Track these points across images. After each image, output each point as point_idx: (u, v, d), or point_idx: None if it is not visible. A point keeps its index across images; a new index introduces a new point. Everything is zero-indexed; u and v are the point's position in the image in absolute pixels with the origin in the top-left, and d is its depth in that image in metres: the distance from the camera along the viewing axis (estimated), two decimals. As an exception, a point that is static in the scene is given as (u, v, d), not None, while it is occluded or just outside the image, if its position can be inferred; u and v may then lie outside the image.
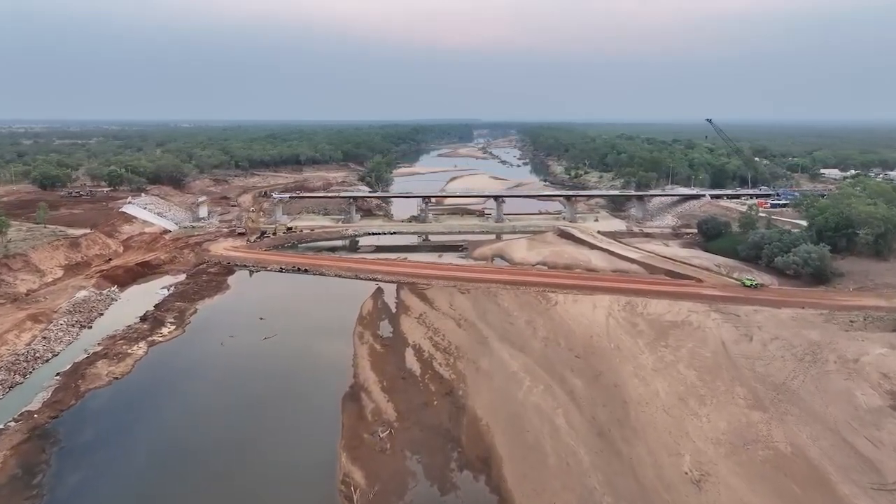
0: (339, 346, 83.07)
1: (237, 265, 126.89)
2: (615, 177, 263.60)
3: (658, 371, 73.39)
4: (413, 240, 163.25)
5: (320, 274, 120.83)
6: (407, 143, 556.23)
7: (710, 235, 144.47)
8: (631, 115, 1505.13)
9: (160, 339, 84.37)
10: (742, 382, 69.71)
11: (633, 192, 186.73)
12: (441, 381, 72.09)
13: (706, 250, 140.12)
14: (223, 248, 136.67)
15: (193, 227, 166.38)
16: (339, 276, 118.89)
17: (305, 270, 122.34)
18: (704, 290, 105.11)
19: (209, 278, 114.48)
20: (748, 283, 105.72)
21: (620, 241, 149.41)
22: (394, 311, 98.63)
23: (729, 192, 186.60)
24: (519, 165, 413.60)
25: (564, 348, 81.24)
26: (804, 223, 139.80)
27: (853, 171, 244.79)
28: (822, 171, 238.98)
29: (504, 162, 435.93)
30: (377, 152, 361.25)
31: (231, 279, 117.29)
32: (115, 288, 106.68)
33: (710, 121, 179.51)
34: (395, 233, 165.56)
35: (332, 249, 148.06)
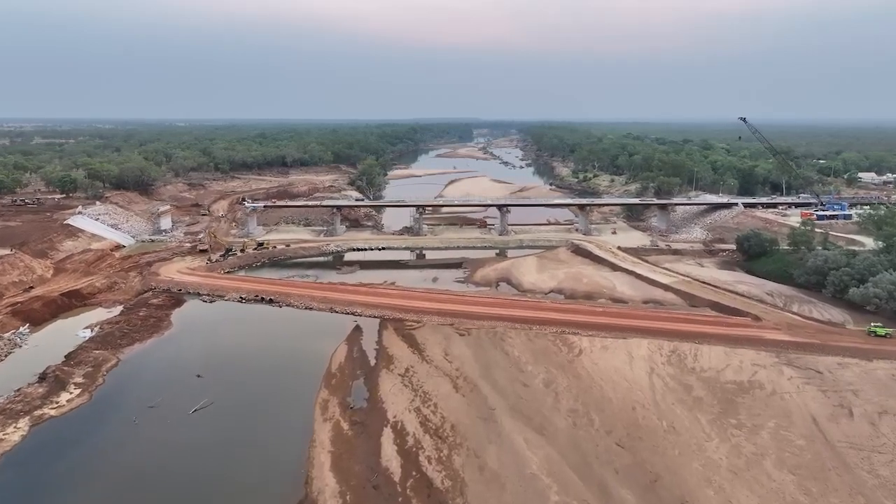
0: (294, 424, 61.44)
1: (189, 293, 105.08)
2: (628, 180, 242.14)
3: (738, 474, 51.62)
4: (405, 255, 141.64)
5: (288, 305, 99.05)
6: (404, 142, 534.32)
7: (753, 254, 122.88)
8: (631, 114, 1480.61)
9: (52, 411, 62.59)
10: (868, 498, 47.99)
11: (657, 201, 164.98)
12: (430, 490, 50.27)
13: (749, 272, 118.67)
14: (176, 271, 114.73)
15: (152, 242, 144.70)
16: (311, 309, 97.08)
17: (270, 301, 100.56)
18: (766, 332, 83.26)
19: (148, 313, 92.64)
20: (881, 331, 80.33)
21: (645, 260, 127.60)
22: (372, 363, 76.80)
23: (764, 200, 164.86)
24: (521, 167, 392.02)
25: (600, 429, 59.48)
26: (868, 241, 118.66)
27: (890, 175, 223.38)
28: (859, 174, 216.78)
29: (506, 163, 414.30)
30: (371, 153, 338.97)
31: (177, 313, 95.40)
32: (24, 328, 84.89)
33: (744, 119, 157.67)
34: (383, 248, 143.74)
35: (315, 265, 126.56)
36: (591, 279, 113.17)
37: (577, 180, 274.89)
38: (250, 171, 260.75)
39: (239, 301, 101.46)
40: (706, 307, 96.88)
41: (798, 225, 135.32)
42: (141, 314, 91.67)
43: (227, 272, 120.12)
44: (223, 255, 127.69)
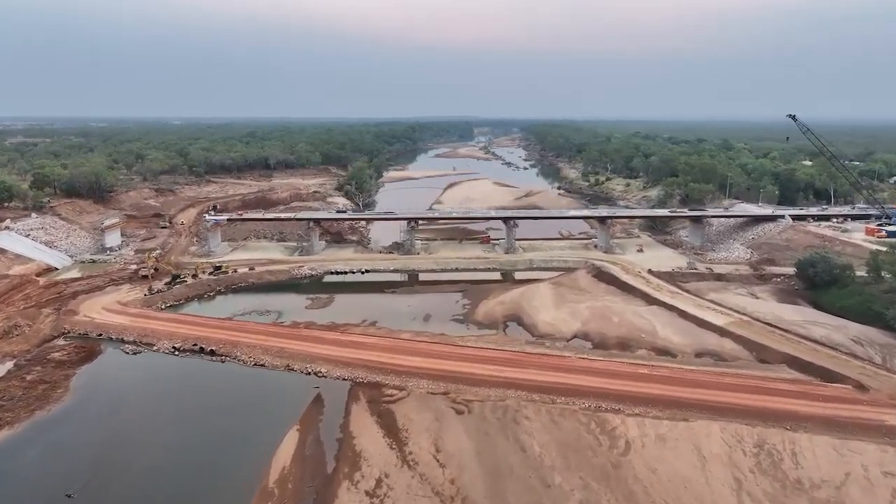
0: None
1: (111, 339, 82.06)
2: (646, 185, 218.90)
3: None
4: (394, 277, 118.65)
5: (234, 359, 75.85)
6: (402, 142, 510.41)
7: (820, 283, 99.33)
8: (632, 112, 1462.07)
9: None
10: None
11: (689, 213, 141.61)
12: None
13: (816, 306, 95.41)
14: (101, 307, 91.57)
15: (94, 262, 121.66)
16: (262, 366, 73.87)
17: (212, 352, 77.39)
18: (884, 411, 60.01)
19: (41, 375, 69.55)
20: None
21: (684, 288, 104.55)
22: (331, 466, 53.52)
23: (814, 211, 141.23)
24: (526, 168, 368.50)
25: None
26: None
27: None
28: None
29: (508, 164, 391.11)
30: (365, 153, 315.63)
31: (82, 374, 72.20)
32: None
33: (793, 117, 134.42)
34: (367, 271, 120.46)
35: (283, 292, 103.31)
36: (622, 318, 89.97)
37: (587, 184, 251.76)
38: (229, 175, 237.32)
39: (171, 352, 78.16)
40: (781, 364, 73.70)
41: (866, 244, 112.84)
42: (30, 377, 68.49)
43: (170, 306, 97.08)
44: (169, 283, 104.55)
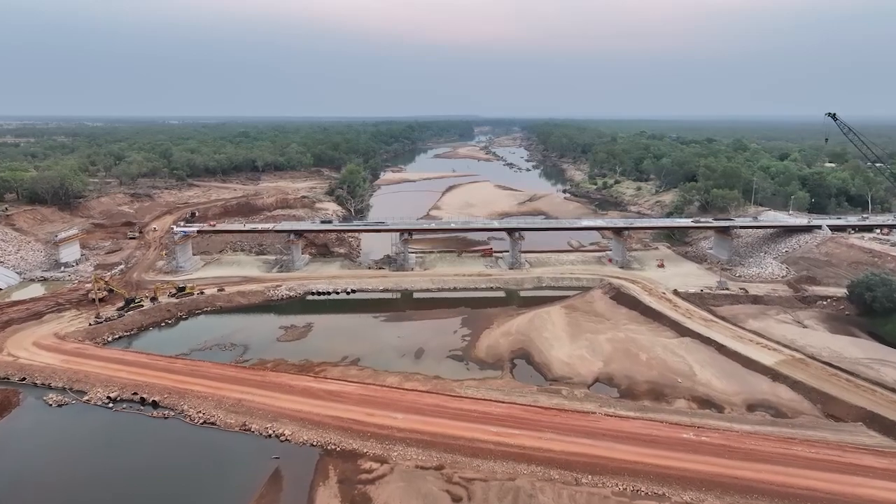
0: None
1: (36, 385, 67.89)
2: (659, 189, 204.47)
3: None
4: (385, 297, 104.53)
5: (180, 414, 61.62)
6: (401, 141, 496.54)
7: (879, 309, 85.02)
8: (633, 111, 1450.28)
9: None
10: None
11: (715, 223, 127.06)
12: None
13: (875, 337, 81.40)
14: (33, 342, 77.37)
15: (46, 280, 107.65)
16: (213, 425, 59.58)
17: (154, 404, 63.24)
18: None
19: (-68, 441, 55.17)
20: None
21: (718, 313, 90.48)
22: None
23: (855, 220, 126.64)
24: (528, 169, 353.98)
25: None
26: None
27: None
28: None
29: (510, 164, 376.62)
30: (360, 154, 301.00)
31: (-13, 436, 58.06)
32: None
33: (832, 116, 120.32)
34: (354, 290, 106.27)
35: (255, 314, 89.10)
36: (651, 354, 75.74)
37: (595, 187, 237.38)
38: (214, 178, 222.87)
39: (105, 404, 63.92)
40: (857, 422, 59.52)
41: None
42: (-86, 445, 54.16)
43: (120, 338, 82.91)
44: (121, 309, 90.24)
